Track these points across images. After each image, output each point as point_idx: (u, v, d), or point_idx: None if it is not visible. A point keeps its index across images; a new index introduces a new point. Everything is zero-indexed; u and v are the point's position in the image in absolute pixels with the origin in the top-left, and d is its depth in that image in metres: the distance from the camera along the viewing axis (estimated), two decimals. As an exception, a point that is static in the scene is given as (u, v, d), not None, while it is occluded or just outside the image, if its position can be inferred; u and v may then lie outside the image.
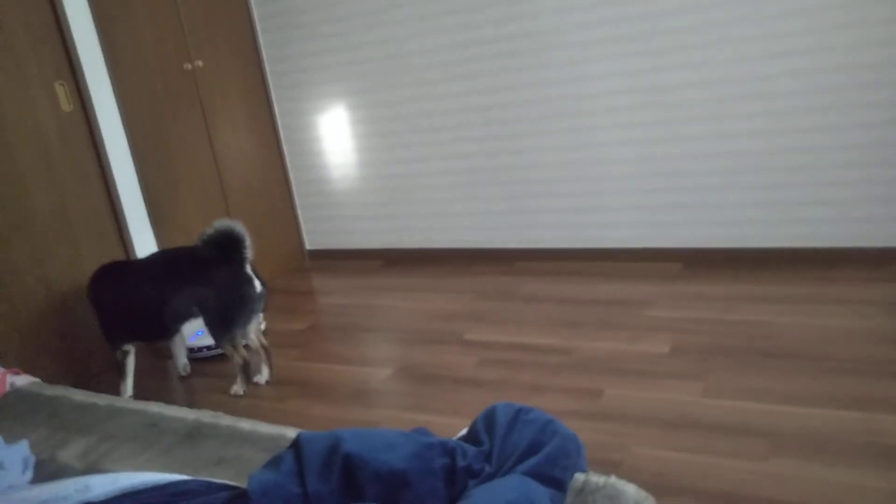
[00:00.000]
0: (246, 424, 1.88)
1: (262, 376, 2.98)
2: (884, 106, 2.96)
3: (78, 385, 2.44)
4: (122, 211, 3.33)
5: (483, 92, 3.74)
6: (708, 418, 2.23)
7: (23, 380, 2.38)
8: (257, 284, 2.76)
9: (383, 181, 4.22)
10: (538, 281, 3.62)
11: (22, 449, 1.80)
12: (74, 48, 3.13)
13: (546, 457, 1.37)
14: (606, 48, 3.39)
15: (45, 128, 3.05)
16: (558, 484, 1.35)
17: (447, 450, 1.40)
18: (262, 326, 3.34)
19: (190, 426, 1.92)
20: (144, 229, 3.45)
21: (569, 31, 3.44)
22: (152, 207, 3.48)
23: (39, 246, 3.03)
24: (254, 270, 2.78)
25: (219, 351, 3.19)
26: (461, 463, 1.38)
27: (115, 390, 2.87)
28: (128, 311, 2.80)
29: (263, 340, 2.99)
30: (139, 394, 2.91)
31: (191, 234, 3.51)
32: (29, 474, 1.74)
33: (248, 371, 2.84)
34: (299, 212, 4.55)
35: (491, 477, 1.37)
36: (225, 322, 2.74)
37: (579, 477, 1.41)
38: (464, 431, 1.57)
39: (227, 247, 2.70)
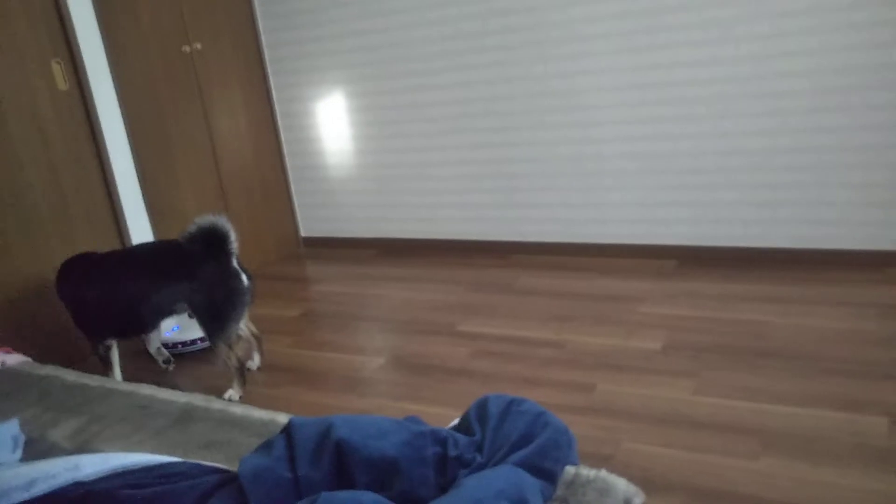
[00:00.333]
0: (237, 409, 1.88)
1: (254, 362, 2.97)
2: (887, 108, 2.96)
3: (70, 366, 2.43)
4: (116, 192, 3.32)
5: (483, 83, 3.73)
6: (699, 415, 2.24)
7: (14, 359, 2.37)
8: (244, 278, 2.72)
9: (380, 170, 4.21)
10: (533, 274, 3.62)
11: (12, 427, 1.79)
12: (72, 26, 3.10)
13: (537, 448, 1.37)
14: (609, 43, 3.38)
15: (40, 106, 3.03)
16: (549, 475, 1.35)
17: (439, 439, 1.41)
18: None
19: (181, 409, 1.92)
20: (139, 210, 3.43)
21: (571, 25, 3.43)
22: (147, 188, 3.47)
23: (32, 225, 3.01)
24: (239, 263, 2.71)
25: (197, 347, 3.15)
26: (452, 452, 1.38)
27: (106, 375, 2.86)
28: (105, 306, 2.67)
29: (253, 328, 2.97)
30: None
31: (186, 219, 3.49)
32: (19, 453, 1.73)
33: (244, 374, 2.74)
34: (295, 198, 4.54)
35: (482, 467, 1.37)
36: (219, 319, 2.66)
37: (570, 469, 1.41)
38: (455, 421, 1.57)
39: (212, 243, 2.62)
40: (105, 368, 2.81)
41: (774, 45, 3.08)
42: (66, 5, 3.07)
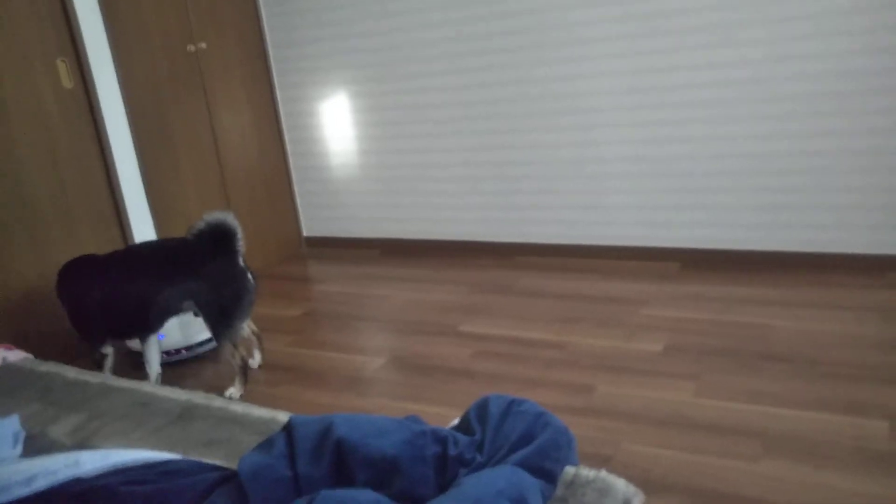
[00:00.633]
0: (238, 407, 1.88)
1: (255, 360, 2.97)
2: (888, 113, 2.96)
3: (71, 364, 2.43)
4: (120, 190, 3.32)
5: (486, 85, 3.74)
6: (700, 417, 2.24)
7: (15, 355, 2.37)
8: (250, 276, 2.72)
9: (383, 170, 4.21)
10: (535, 276, 3.62)
11: (13, 423, 1.80)
12: (77, 25, 3.11)
13: (537, 448, 1.37)
14: (610, 46, 3.38)
15: (45, 104, 3.04)
16: (549, 476, 1.35)
17: (439, 438, 1.40)
18: None
19: (181, 406, 1.92)
20: (142, 209, 3.43)
21: (574, 28, 3.43)
22: (150, 187, 3.47)
23: (36, 223, 3.02)
24: (244, 262, 2.71)
25: (187, 355, 3.08)
26: (453, 452, 1.38)
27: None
28: (109, 307, 2.62)
29: (253, 326, 2.97)
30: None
31: (189, 218, 3.50)
32: (19, 449, 1.73)
33: (246, 372, 2.74)
34: (298, 198, 4.55)
35: (482, 467, 1.37)
36: (226, 317, 2.64)
37: (570, 470, 1.41)
38: (456, 421, 1.57)
39: (219, 240, 2.61)
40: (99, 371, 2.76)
41: (775, 48, 3.08)
42: (71, 4, 3.08)
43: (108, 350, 2.76)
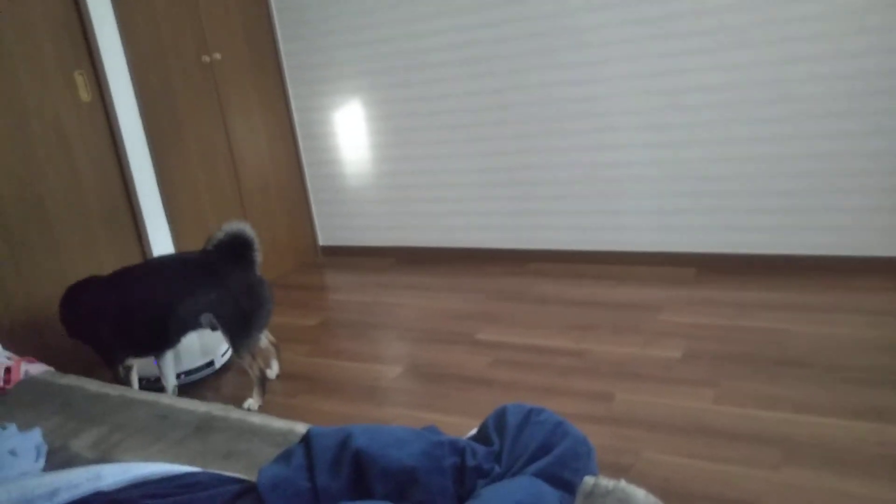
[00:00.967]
0: (256, 418, 1.88)
1: (273, 371, 2.98)
2: (905, 114, 2.94)
3: (91, 375, 2.45)
4: (137, 201, 3.35)
5: (500, 91, 3.74)
6: (719, 425, 2.22)
7: (37, 368, 2.40)
8: (267, 287, 2.73)
9: (397, 178, 4.22)
10: (551, 282, 3.61)
11: (35, 437, 1.81)
12: (94, 38, 3.15)
13: (556, 458, 1.37)
14: (624, 50, 3.37)
15: (63, 117, 3.07)
16: (568, 486, 1.34)
17: (457, 449, 1.40)
18: None
19: (200, 418, 1.93)
20: (159, 219, 3.46)
21: (587, 32, 3.43)
22: (167, 197, 3.50)
23: (55, 234, 3.05)
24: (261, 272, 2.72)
25: (194, 377, 3.03)
26: (471, 462, 1.38)
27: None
28: (127, 323, 2.60)
29: (271, 336, 2.98)
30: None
31: (205, 228, 3.53)
32: (41, 462, 1.75)
33: (265, 383, 2.74)
34: (313, 207, 4.57)
35: (500, 477, 1.36)
36: (245, 328, 2.65)
37: (589, 480, 1.40)
38: (474, 431, 1.57)
39: (237, 250, 2.63)
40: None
41: (788, 50, 3.06)
42: (88, 18, 3.12)
43: (131, 362, 2.74)
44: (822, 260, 3.25)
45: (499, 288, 3.63)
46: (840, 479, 1.89)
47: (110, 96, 3.23)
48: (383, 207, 4.34)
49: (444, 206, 4.13)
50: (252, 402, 2.70)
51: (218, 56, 3.80)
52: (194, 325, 2.66)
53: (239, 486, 1.45)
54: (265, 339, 2.93)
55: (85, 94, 3.15)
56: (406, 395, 2.72)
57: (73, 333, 2.68)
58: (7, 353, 2.37)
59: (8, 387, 2.26)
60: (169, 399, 2.08)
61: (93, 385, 2.24)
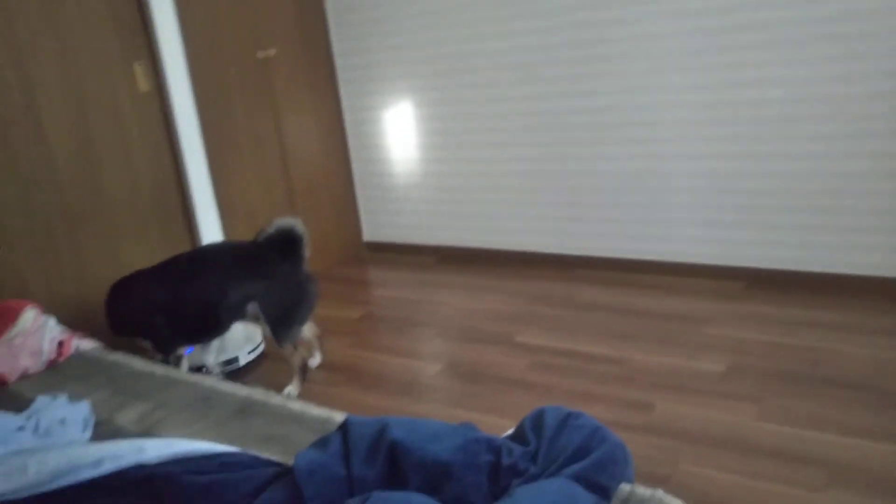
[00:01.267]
0: (296, 405, 1.91)
1: (315, 360, 3.02)
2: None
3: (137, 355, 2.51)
4: (189, 191, 3.42)
5: (548, 97, 3.72)
6: (762, 442, 2.17)
7: (87, 343, 2.47)
8: (313, 283, 2.76)
9: (444, 178, 4.23)
10: (596, 289, 3.57)
11: (83, 408, 1.87)
12: (153, 29, 3.22)
13: (593, 462, 1.35)
14: (678, 60, 3.32)
15: (121, 106, 3.15)
16: (603, 491, 1.33)
17: (493, 447, 1.40)
18: None
19: (241, 402, 1.96)
20: (210, 210, 3.53)
21: (640, 41, 3.38)
22: (218, 188, 3.56)
23: (109, 221, 3.13)
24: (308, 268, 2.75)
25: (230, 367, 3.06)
26: (506, 461, 1.37)
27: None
28: (178, 310, 2.64)
29: (315, 328, 3.02)
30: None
31: (255, 220, 3.58)
32: (88, 433, 1.81)
33: (305, 372, 2.79)
34: (360, 203, 4.60)
35: (535, 477, 1.36)
36: (288, 320, 2.70)
37: (625, 487, 1.39)
38: (511, 431, 1.56)
39: (287, 245, 2.68)
40: None
41: (851, 66, 2.97)
42: (149, 10, 3.19)
43: (182, 352, 2.77)
44: (874, 281, 3.15)
45: (541, 292, 3.61)
46: (886, 506, 1.84)
47: (167, 88, 3.30)
48: (428, 207, 4.35)
49: (489, 208, 4.12)
50: (292, 388, 2.75)
51: (273, 52, 3.86)
52: (244, 312, 2.69)
53: (276, 469, 1.47)
54: (308, 331, 2.97)
55: (144, 85, 3.23)
56: (444, 392, 2.73)
57: (120, 329, 2.71)
58: (61, 327, 2.44)
59: (60, 359, 2.34)
60: (211, 381, 2.13)
61: (139, 363, 2.30)
